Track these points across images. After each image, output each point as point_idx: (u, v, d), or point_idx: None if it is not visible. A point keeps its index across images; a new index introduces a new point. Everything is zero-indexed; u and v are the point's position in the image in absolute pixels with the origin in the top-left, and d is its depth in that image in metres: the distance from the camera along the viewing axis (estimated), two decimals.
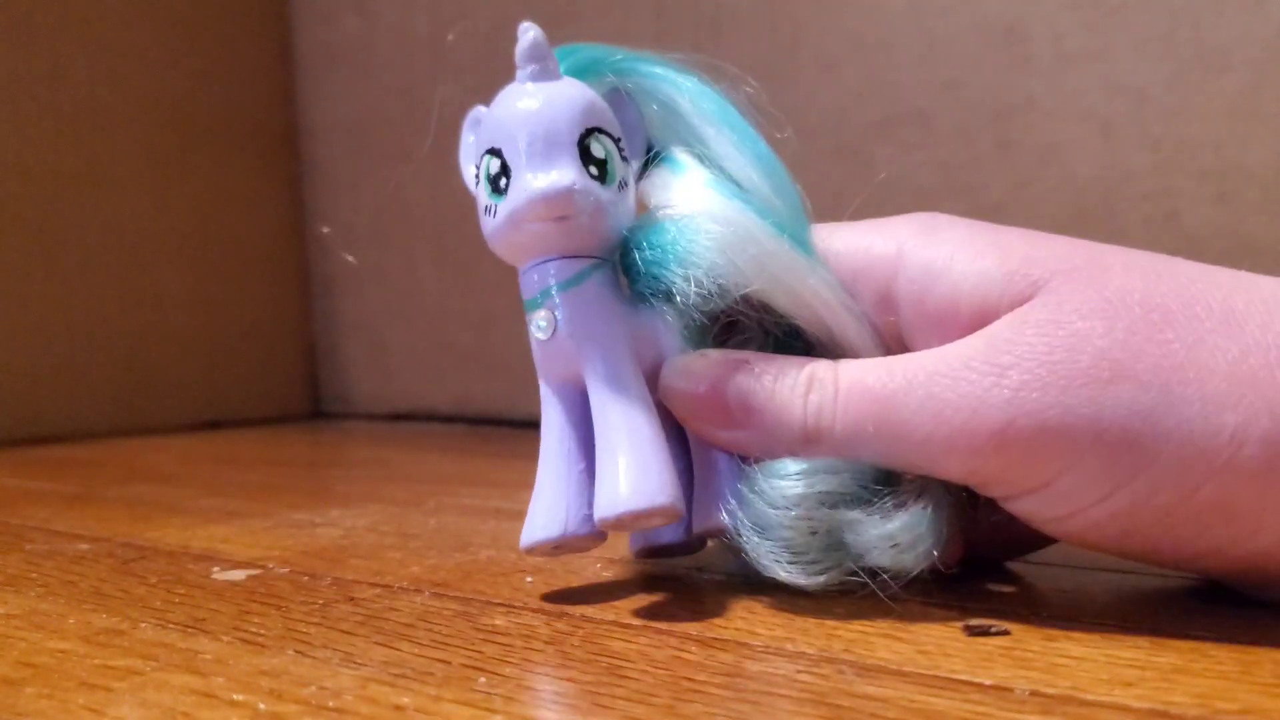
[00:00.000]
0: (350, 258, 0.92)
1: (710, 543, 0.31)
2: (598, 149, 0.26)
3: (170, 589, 0.30)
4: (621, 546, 0.32)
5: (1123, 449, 0.22)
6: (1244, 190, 0.56)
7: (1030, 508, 0.24)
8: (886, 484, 0.25)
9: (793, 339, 0.27)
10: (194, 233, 0.90)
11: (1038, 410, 0.23)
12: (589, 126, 0.26)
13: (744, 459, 0.26)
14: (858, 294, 0.27)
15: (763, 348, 0.27)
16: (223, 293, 0.92)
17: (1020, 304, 0.24)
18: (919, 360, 0.24)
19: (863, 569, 0.25)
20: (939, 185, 0.64)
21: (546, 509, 0.27)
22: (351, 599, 0.28)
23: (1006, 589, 0.28)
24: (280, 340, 0.97)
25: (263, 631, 0.25)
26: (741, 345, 0.28)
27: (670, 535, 0.29)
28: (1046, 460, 0.23)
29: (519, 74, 0.26)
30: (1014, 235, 0.25)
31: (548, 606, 0.27)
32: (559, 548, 0.27)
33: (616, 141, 0.27)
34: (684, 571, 0.30)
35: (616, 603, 0.27)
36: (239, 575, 0.31)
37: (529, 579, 0.30)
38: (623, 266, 0.27)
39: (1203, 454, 0.22)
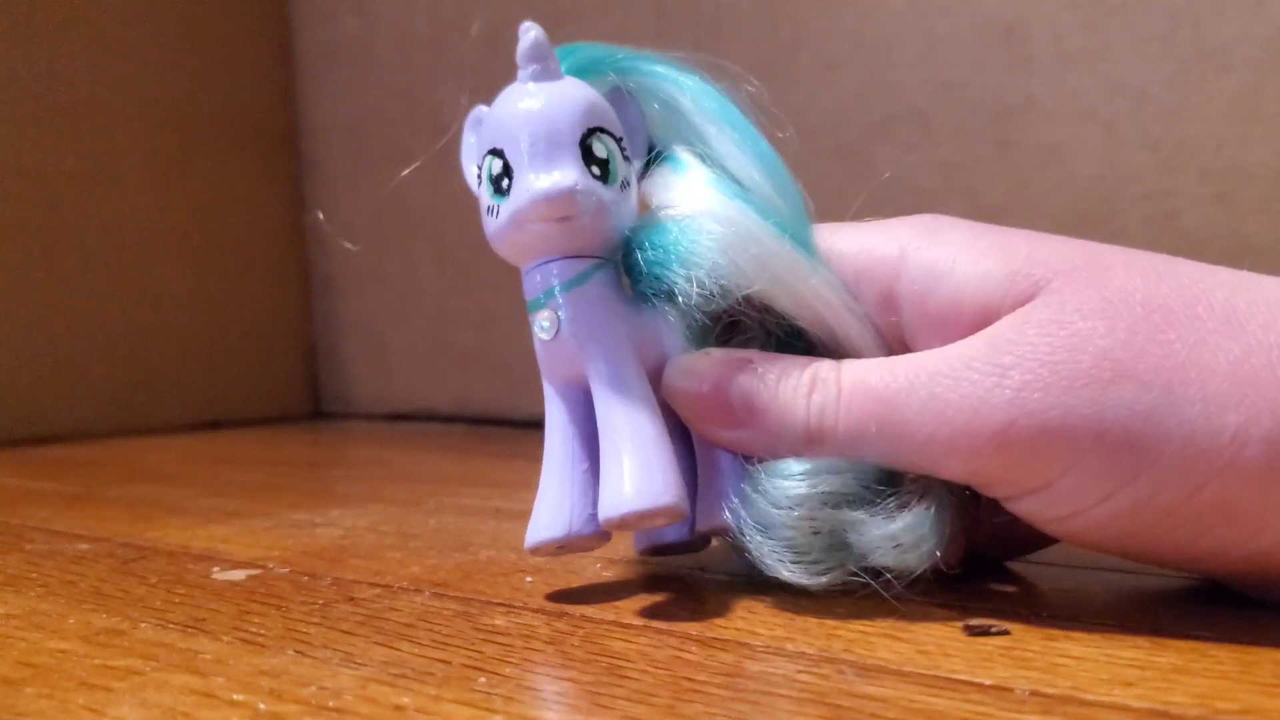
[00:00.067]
0: (349, 245, 0.92)
1: (713, 542, 0.31)
2: (600, 149, 0.26)
3: (170, 589, 0.30)
4: (622, 546, 0.32)
5: (1124, 449, 0.22)
6: (1244, 190, 0.56)
7: (1032, 508, 0.24)
8: (889, 484, 0.25)
9: (795, 339, 0.27)
10: (194, 232, 0.90)
11: (1039, 410, 0.23)
12: (591, 126, 0.26)
13: (747, 458, 0.26)
14: (860, 295, 0.27)
15: (765, 348, 0.27)
16: (223, 292, 0.92)
17: (1022, 304, 0.24)
18: (921, 361, 0.24)
19: (865, 569, 0.25)
20: (939, 185, 0.64)
21: (551, 509, 0.27)
22: (351, 599, 0.28)
23: (1007, 589, 0.28)
24: (280, 340, 0.97)
25: (263, 631, 0.25)
26: (744, 345, 0.28)
27: (674, 534, 0.29)
28: (1048, 461, 0.23)
29: (520, 74, 0.26)
30: (1016, 236, 0.25)
31: (548, 606, 0.27)
32: (563, 548, 0.27)
33: (618, 141, 0.27)
34: (684, 571, 0.30)
35: (617, 603, 0.27)
36: (239, 575, 0.31)
37: (529, 579, 0.30)
38: (625, 266, 0.27)
39: (1204, 454, 0.22)
